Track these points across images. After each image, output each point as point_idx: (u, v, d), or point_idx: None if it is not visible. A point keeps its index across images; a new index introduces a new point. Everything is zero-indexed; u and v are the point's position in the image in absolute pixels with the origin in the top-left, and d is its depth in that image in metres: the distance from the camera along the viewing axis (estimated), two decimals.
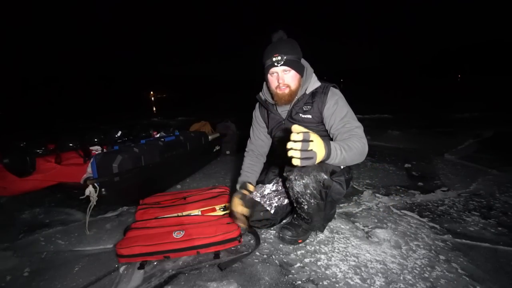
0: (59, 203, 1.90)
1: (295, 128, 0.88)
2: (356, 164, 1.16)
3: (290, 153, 0.86)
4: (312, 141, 0.87)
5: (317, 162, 0.91)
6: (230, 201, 1.40)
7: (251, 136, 1.53)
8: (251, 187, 1.41)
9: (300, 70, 1.21)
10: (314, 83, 1.25)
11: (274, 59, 1.16)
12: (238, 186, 1.42)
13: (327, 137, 1.26)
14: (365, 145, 1.09)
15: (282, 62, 1.15)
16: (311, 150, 0.87)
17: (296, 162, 0.87)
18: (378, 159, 2.66)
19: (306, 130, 0.88)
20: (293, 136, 0.86)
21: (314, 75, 1.28)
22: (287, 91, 1.21)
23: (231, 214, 1.33)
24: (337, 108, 1.18)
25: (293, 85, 1.21)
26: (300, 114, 1.26)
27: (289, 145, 0.86)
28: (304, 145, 0.86)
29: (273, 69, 1.18)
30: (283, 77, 1.19)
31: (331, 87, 1.24)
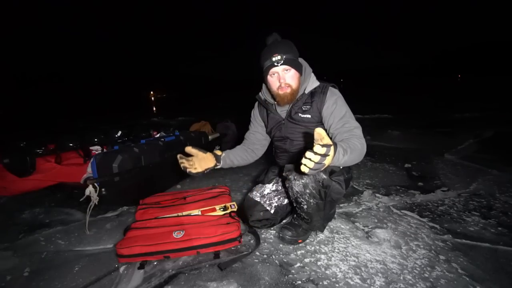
0: (59, 203, 1.90)
1: (321, 135, 0.82)
2: (356, 164, 1.16)
3: (303, 161, 0.83)
4: (328, 155, 0.82)
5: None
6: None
7: (246, 133, 1.54)
8: (218, 152, 1.37)
9: (299, 69, 1.21)
10: (313, 82, 1.26)
11: (273, 58, 1.15)
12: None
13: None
14: (364, 146, 1.09)
15: (282, 61, 1.15)
16: (324, 163, 0.83)
17: (304, 169, 0.84)
18: (378, 159, 2.66)
19: (330, 142, 0.83)
20: (316, 148, 0.80)
21: (312, 74, 1.28)
22: (289, 90, 1.21)
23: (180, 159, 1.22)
24: (336, 107, 1.18)
25: (294, 84, 1.21)
26: (300, 114, 1.27)
27: (308, 155, 0.81)
28: (321, 159, 0.81)
29: (273, 70, 1.18)
30: (284, 77, 1.19)
31: (330, 87, 1.24)
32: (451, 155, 2.74)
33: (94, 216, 1.67)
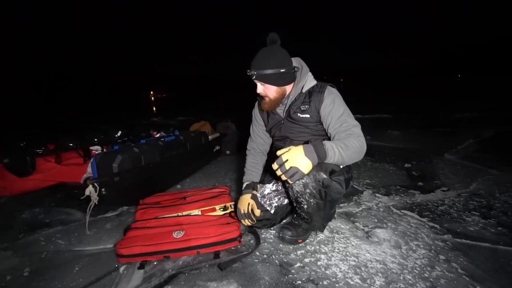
0: (59, 203, 1.90)
1: (277, 153, 1.01)
2: (356, 164, 1.16)
3: (281, 177, 1.01)
4: (286, 160, 0.98)
5: (306, 170, 0.99)
6: (236, 200, 1.42)
7: (251, 134, 1.54)
8: (255, 191, 1.42)
9: (277, 81, 1.22)
10: (310, 81, 1.26)
11: (248, 73, 1.21)
12: (245, 185, 1.44)
13: (325, 136, 1.27)
14: (363, 144, 1.09)
15: (254, 77, 1.21)
16: (290, 167, 0.97)
17: (289, 181, 1.02)
18: (378, 159, 2.66)
19: (281, 152, 1.00)
20: (273, 167, 1.01)
21: (310, 73, 1.28)
22: (266, 99, 1.27)
23: (238, 213, 1.34)
24: (333, 106, 1.19)
25: (270, 95, 1.25)
26: (299, 114, 1.27)
27: (277, 173, 1.01)
28: (282, 169, 0.98)
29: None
30: (259, 88, 1.25)
31: (328, 86, 1.25)
32: (451, 155, 2.74)
33: (94, 216, 1.67)
